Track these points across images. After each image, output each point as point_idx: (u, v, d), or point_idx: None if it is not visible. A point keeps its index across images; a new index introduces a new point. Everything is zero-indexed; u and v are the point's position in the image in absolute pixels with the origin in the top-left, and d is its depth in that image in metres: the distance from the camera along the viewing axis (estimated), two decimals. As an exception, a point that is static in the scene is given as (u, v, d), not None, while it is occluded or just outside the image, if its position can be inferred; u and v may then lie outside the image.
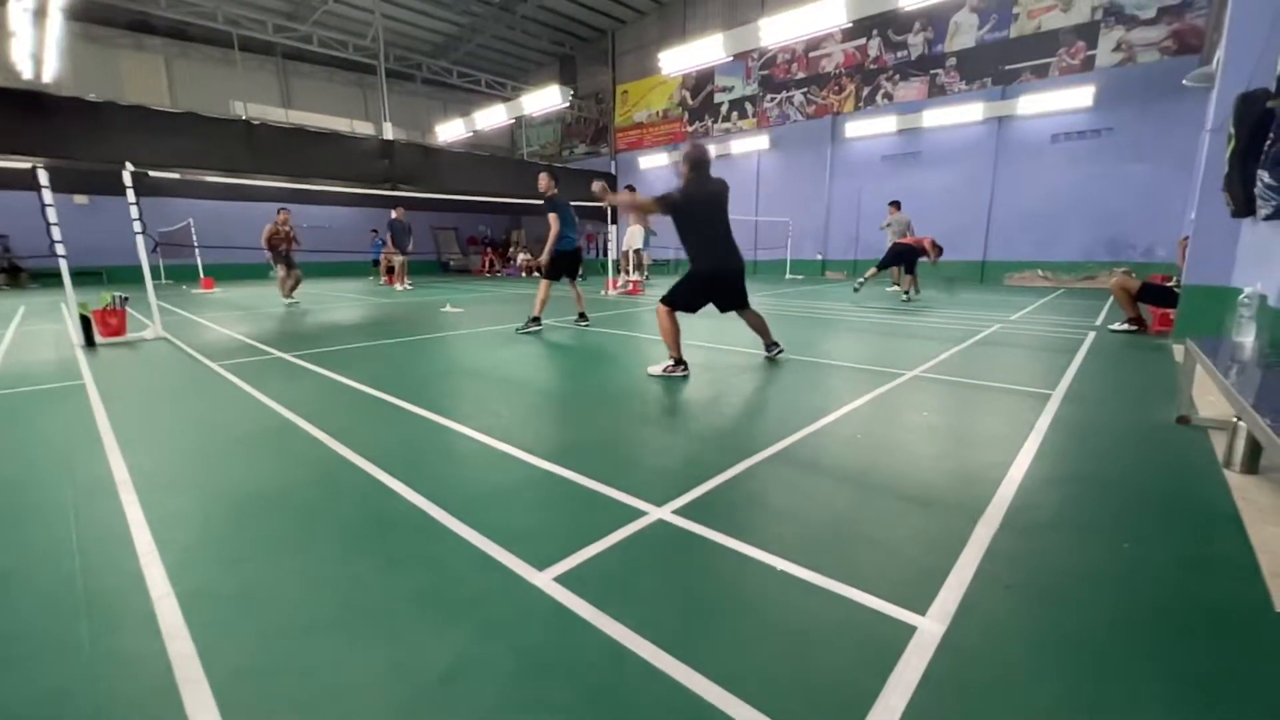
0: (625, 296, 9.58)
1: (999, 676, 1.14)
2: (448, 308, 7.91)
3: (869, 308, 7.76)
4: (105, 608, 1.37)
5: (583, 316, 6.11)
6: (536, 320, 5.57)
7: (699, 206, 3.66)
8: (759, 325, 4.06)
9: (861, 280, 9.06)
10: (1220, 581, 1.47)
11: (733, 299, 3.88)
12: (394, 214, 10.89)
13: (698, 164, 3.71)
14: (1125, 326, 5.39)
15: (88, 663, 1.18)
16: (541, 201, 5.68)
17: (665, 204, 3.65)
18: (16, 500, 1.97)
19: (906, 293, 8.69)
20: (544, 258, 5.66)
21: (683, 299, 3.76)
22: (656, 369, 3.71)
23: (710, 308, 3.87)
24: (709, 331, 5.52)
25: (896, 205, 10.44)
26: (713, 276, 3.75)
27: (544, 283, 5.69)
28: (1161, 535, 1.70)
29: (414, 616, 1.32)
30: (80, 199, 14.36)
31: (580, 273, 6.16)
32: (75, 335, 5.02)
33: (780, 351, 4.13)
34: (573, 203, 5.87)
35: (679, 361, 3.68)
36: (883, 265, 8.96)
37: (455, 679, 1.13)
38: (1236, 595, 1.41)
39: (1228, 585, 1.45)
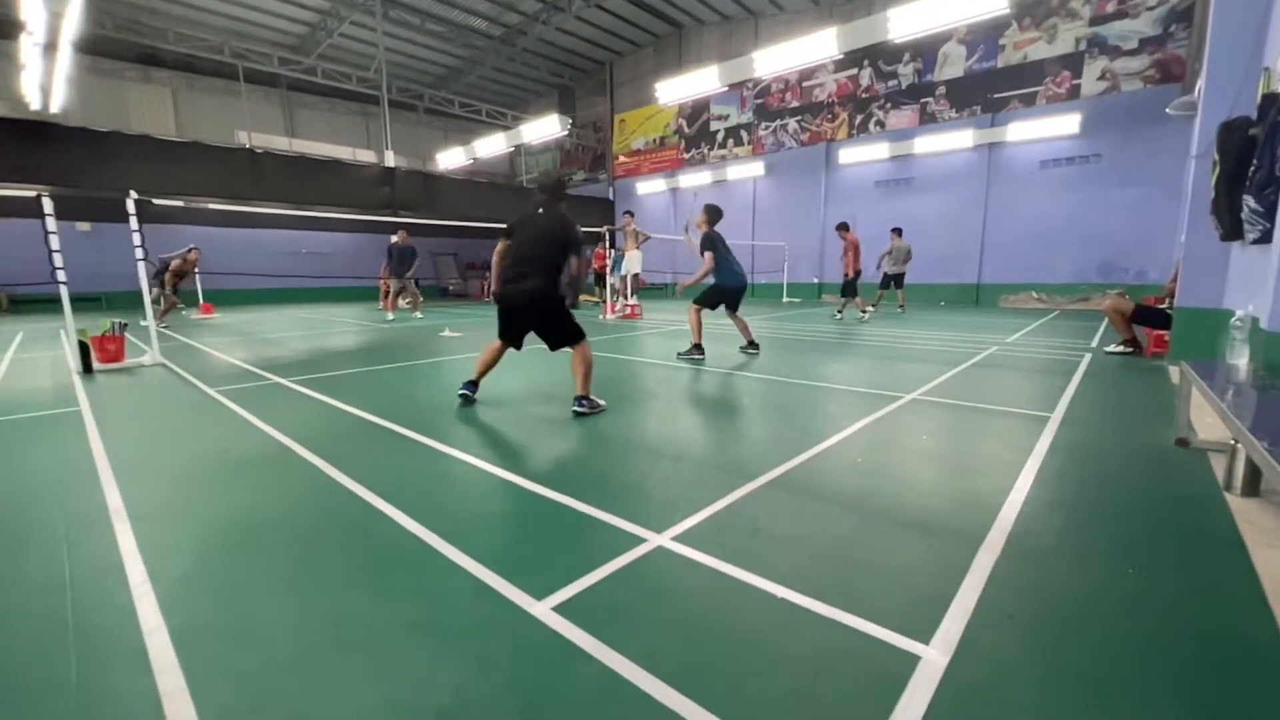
0: (624, 320, 9.63)
1: (1004, 709, 1.12)
2: (447, 332, 7.93)
3: (866, 331, 7.80)
4: (95, 643, 1.34)
5: (752, 344, 5.71)
6: (698, 347, 5.38)
7: (521, 227, 3.51)
8: (576, 369, 3.50)
9: (867, 312, 9.64)
10: (1226, 607, 1.45)
11: (539, 328, 3.53)
12: (394, 238, 10.63)
13: (541, 188, 3.61)
14: (1120, 348, 5.42)
15: (76, 700, 1.16)
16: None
17: (504, 234, 3.55)
18: (8, 531, 1.95)
19: (840, 311, 9.64)
20: (689, 281, 5.63)
21: (499, 322, 3.59)
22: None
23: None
24: (710, 356, 5.54)
25: (898, 232, 10.60)
26: (504, 294, 3.49)
27: (693, 308, 5.54)
28: (1165, 560, 1.68)
29: (411, 649, 1.30)
30: (83, 226, 14.49)
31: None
32: (73, 361, 5.02)
33: (588, 411, 3.42)
34: (578, 228, 5.70)
35: (472, 382, 3.63)
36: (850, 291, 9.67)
37: (452, 714, 1.10)
38: (1242, 621, 1.39)
39: (1233, 611, 1.44)
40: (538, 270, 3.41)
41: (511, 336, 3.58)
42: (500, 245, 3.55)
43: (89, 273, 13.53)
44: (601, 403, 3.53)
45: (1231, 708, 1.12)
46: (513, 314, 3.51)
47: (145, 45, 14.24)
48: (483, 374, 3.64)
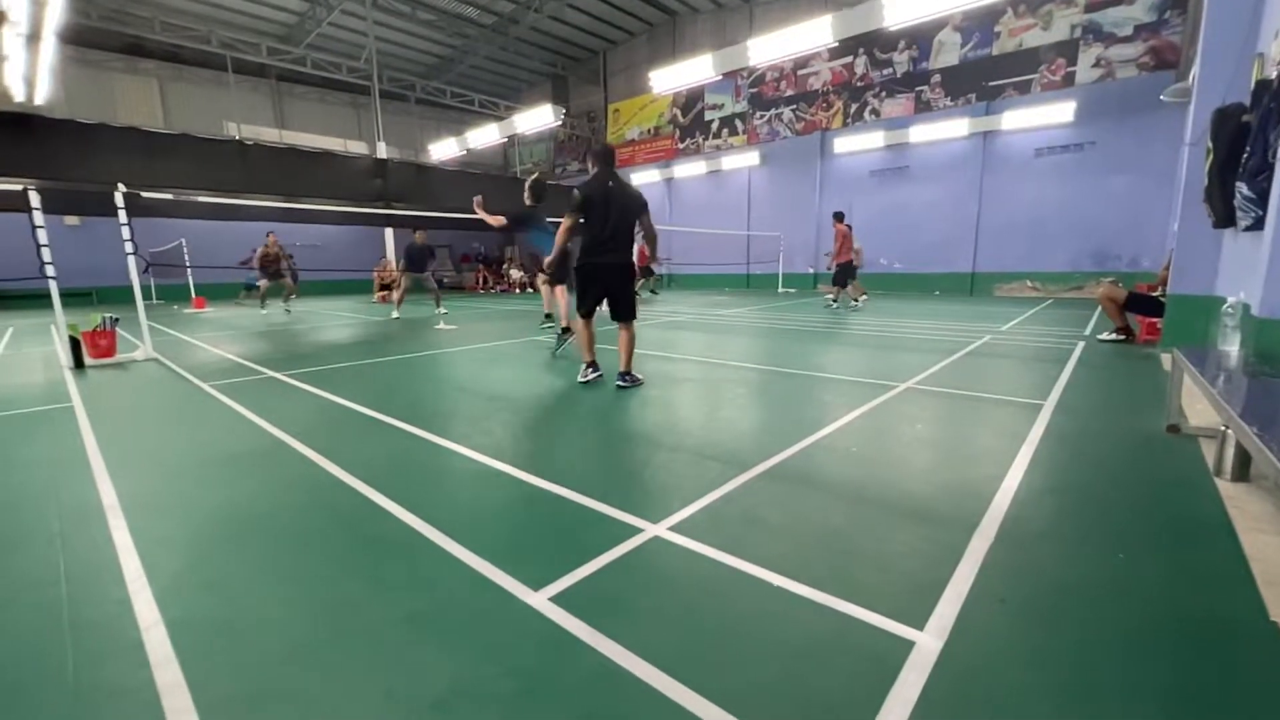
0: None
1: (996, 694, 1.13)
2: (441, 325, 7.90)
3: (860, 320, 7.82)
4: (91, 637, 1.34)
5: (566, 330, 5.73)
6: (567, 330, 5.26)
7: (597, 200, 3.68)
8: (624, 346, 3.92)
9: (856, 301, 9.80)
10: (1215, 591, 1.47)
11: (614, 297, 3.90)
12: (416, 237, 9.74)
13: (600, 158, 3.82)
14: (1114, 336, 5.45)
15: (73, 695, 1.16)
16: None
17: (572, 210, 3.73)
18: (1, 527, 1.93)
19: (835, 300, 9.71)
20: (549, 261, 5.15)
21: (579, 301, 3.92)
22: (579, 376, 4.01)
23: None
24: (702, 346, 5.54)
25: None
26: (593, 266, 3.81)
27: (558, 289, 5.61)
28: (1155, 545, 1.70)
29: (408, 640, 1.30)
30: (71, 220, 14.32)
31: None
32: (64, 357, 4.98)
33: (631, 384, 3.83)
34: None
35: (590, 365, 4.01)
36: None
37: (450, 704, 1.11)
38: (1232, 605, 1.41)
39: (1223, 595, 1.45)
40: (622, 244, 3.81)
41: (594, 305, 3.93)
42: (569, 221, 3.77)
43: (79, 268, 13.38)
44: (640, 377, 3.95)
45: (1219, 689, 1.14)
46: (599, 282, 3.86)
47: (131, 35, 14.01)
48: (593, 351, 4.02)
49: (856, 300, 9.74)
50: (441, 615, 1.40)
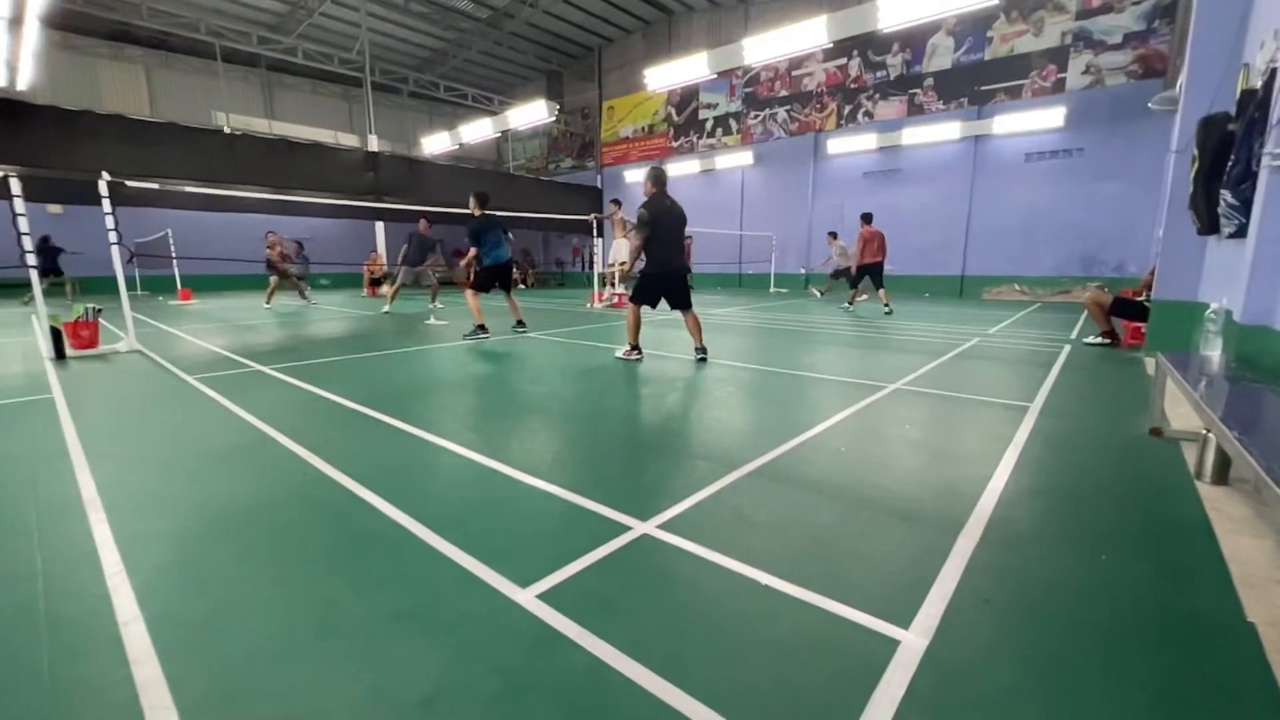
0: (611, 310, 9.59)
1: (981, 692, 1.14)
2: (432, 320, 7.85)
3: (851, 322, 7.86)
4: (69, 632, 1.32)
5: (520, 324, 6.78)
6: (482, 327, 6.18)
7: (661, 219, 4.45)
8: (694, 328, 4.71)
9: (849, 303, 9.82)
10: (1194, 592, 1.50)
11: (677, 296, 4.67)
12: (420, 226, 9.61)
13: (657, 181, 4.53)
14: (1099, 340, 5.52)
15: (48, 691, 1.14)
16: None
17: (642, 227, 4.43)
18: (-23, 520, 1.90)
19: (886, 307, 9.15)
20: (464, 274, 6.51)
21: (640, 295, 4.68)
22: (619, 352, 4.85)
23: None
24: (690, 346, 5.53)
25: (834, 235, 11.05)
26: (660, 275, 4.59)
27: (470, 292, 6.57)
28: (1137, 547, 1.73)
29: (393, 637, 1.29)
30: (54, 208, 14.04)
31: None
32: (45, 348, 4.88)
33: (706, 355, 4.63)
34: (565, 215, 6.42)
35: (634, 347, 4.77)
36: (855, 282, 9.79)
37: (435, 702, 1.10)
38: (1211, 605, 1.43)
39: (1202, 595, 1.48)
40: (680, 253, 4.64)
41: (654, 302, 4.67)
42: (639, 239, 4.49)
43: (62, 257, 13.12)
44: (707, 349, 4.70)
45: (1199, 687, 1.16)
46: (663, 286, 4.61)
47: (117, 21, 13.76)
48: (638, 335, 4.77)
49: (850, 304, 9.77)
50: (427, 612, 1.38)
